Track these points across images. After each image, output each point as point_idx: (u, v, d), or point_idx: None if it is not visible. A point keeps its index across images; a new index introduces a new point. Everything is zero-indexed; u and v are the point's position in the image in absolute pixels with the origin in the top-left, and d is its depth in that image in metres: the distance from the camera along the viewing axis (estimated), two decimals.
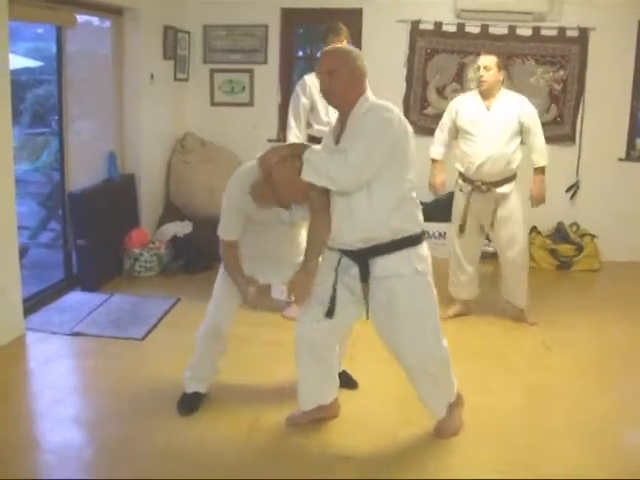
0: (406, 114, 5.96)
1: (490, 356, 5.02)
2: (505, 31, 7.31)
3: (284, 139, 5.50)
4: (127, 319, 5.46)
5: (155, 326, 5.36)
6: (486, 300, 5.74)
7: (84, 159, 6.39)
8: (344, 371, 4.33)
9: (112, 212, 6.44)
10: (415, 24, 7.39)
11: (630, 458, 3.76)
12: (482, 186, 5.34)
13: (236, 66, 7.80)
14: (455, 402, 3.82)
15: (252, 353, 4.89)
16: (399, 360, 3.62)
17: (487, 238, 5.76)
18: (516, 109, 5.27)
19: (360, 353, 4.62)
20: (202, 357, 4.14)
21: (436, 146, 5.59)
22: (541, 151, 5.39)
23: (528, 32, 7.30)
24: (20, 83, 7.86)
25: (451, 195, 5.69)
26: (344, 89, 3.35)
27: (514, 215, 5.40)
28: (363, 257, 3.44)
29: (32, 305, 5.52)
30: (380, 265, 3.42)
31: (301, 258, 3.81)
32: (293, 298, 3.75)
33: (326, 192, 3.47)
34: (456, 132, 5.47)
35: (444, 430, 3.81)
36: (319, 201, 3.57)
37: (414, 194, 3.46)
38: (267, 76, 7.78)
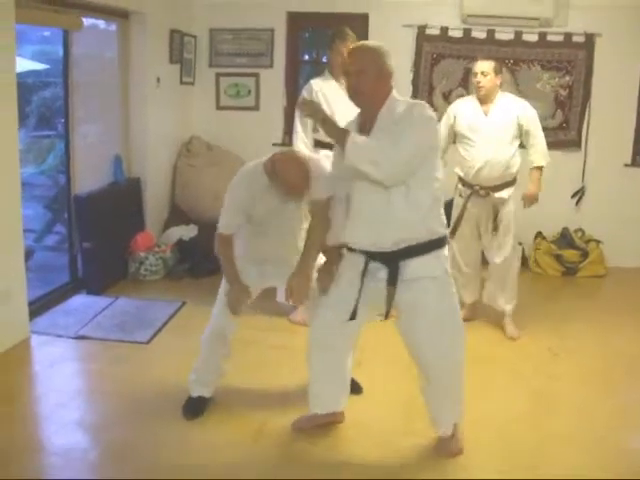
0: None
1: (494, 362, 5.01)
2: (511, 36, 7.31)
3: (290, 143, 5.49)
4: (132, 322, 5.46)
5: (160, 330, 5.36)
6: (486, 304, 5.71)
7: (90, 162, 6.40)
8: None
9: (118, 215, 6.44)
10: (421, 29, 7.39)
11: (633, 464, 3.74)
12: (480, 191, 5.33)
13: (242, 70, 7.80)
14: (458, 424, 3.77)
15: (258, 357, 4.88)
16: (420, 362, 3.57)
17: None
18: (515, 112, 5.25)
19: (367, 358, 4.62)
20: (207, 360, 4.14)
21: None
22: (541, 152, 5.33)
23: (534, 38, 7.30)
24: (26, 86, 7.89)
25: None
26: (372, 89, 3.30)
27: (508, 221, 5.39)
28: (395, 259, 3.35)
29: (37, 308, 5.52)
30: (412, 267, 3.35)
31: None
32: (291, 301, 3.88)
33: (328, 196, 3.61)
34: (454, 137, 5.46)
35: (448, 449, 3.74)
36: (321, 205, 3.72)
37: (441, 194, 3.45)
38: (273, 80, 7.78)
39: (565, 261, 7.31)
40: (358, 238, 3.42)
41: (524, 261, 7.32)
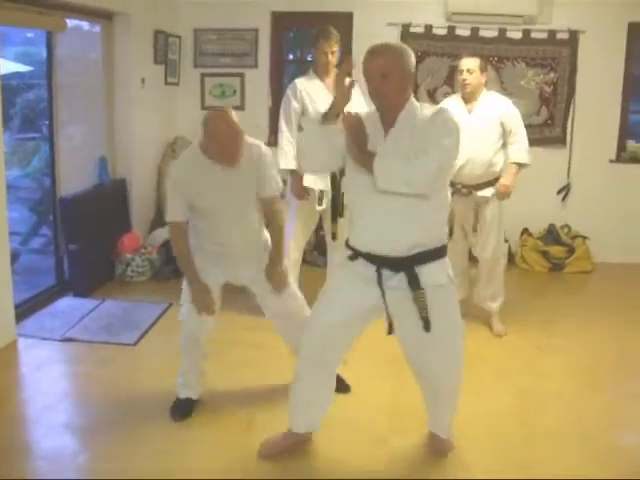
0: None
1: (482, 359, 5.01)
2: (495, 34, 7.33)
3: (275, 142, 5.48)
4: (119, 324, 5.44)
5: (147, 331, 5.34)
6: (475, 303, 5.71)
7: (75, 164, 6.38)
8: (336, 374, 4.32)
9: (103, 217, 6.43)
10: (406, 27, 7.40)
11: (622, 460, 3.76)
12: (463, 189, 5.33)
13: (227, 70, 7.79)
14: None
15: (244, 356, 4.88)
16: (424, 371, 3.50)
17: None
18: (498, 111, 5.24)
19: (354, 357, 4.62)
20: (188, 364, 4.16)
21: None
22: (520, 149, 5.28)
23: (518, 35, 7.32)
24: (10, 88, 7.84)
25: None
26: (397, 91, 3.17)
27: (491, 220, 5.40)
28: (408, 265, 3.22)
29: (24, 311, 5.51)
30: (424, 274, 3.23)
31: (265, 252, 3.98)
32: (277, 288, 3.96)
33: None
34: None
35: (441, 446, 3.74)
36: (271, 203, 3.96)
37: None
38: (258, 80, 7.77)
39: (551, 257, 7.33)
40: (370, 241, 3.26)
41: (510, 257, 7.35)
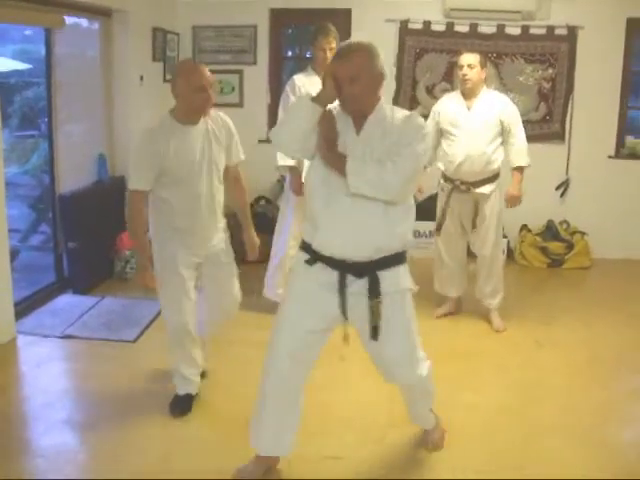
0: None
1: (481, 355, 5.03)
2: (494, 30, 7.33)
3: None
4: (119, 321, 5.45)
5: (147, 328, 5.36)
6: (477, 299, 5.72)
7: (74, 161, 6.38)
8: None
9: (102, 214, 6.42)
10: (404, 23, 7.40)
11: (620, 455, 3.77)
12: (461, 185, 5.34)
13: (225, 67, 7.78)
14: (437, 417, 3.80)
15: (244, 355, 4.87)
16: (392, 376, 3.42)
17: None
18: (497, 109, 5.25)
19: (350, 353, 4.62)
20: (182, 358, 4.13)
21: None
22: (520, 151, 5.30)
23: (517, 31, 7.32)
24: (8, 86, 7.85)
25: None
26: (367, 95, 3.08)
27: (490, 217, 5.40)
28: (371, 270, 3.12)
29: (23, 308, 5.51)
30: (388, 279, 3.15)
31: (221, 223, 4.11)
32: (252, 256, 4.27)
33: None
34: (440, 134, 5.45)
35: (431, 440, 3.76)
36: (235, 169, 4.14)
37: None
38: (256, 77, 7.78)
39: (550, 253, 7.34)
40: (333, 245, 3.11)
41: (510, 254, 7.38)
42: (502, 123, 5.23)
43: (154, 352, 4.93)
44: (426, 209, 5.92)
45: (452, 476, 3.53)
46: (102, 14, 6.46)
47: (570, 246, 7.34)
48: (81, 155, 6.55)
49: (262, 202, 7.56)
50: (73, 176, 6.32)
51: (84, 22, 6.53)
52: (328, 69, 3.12)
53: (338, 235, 3.09)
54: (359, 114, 3.12)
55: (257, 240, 4.29)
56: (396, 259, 3.19)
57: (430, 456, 3.67)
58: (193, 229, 3.95)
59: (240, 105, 7.81)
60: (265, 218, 7.02)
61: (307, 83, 5.30)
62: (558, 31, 7.27)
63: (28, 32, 7.90)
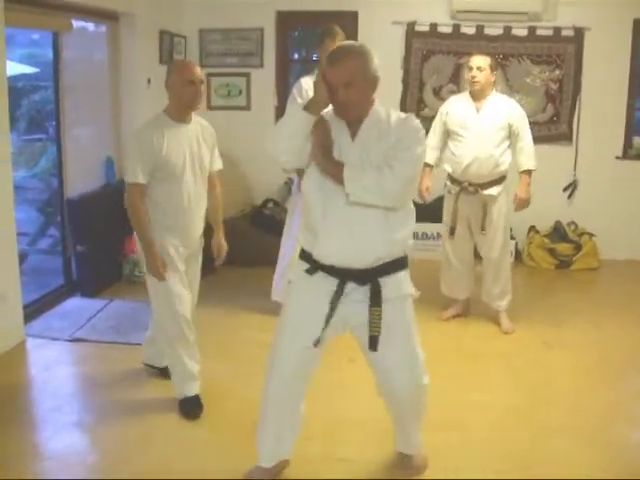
0: None
1: (490, 356, 5.03)
2: (500, 31, 7.33)
3: None
4: (127, 324, 5.45)
5: None
6: (484, 302, 5.71)
7: (82, 165, 6.39)
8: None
9: (111, 217, 6.42)
10: (411, 26, 7.40)
11: (629, 457, 3.77)
12: (469, 187, 5.33)
13: (232, 70, 7.80)
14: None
15: (252, 356, 4.86)
16: (391, 382, 3.31)
17: None
18: (505, 112, 5.25)
19: (360, 355, 4.63)
20: (186, 353, 4.15)
21: (428, 150, 5.54)
22: (528, 154, 5.32)
23: (523, 32, 7.31)
24: (16, 89, 7.86)
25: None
26: (361, 100, 3.01)
27: (497, 219, 5.39)
28: (373, 277, 3.08)
29: (32, 311, 5.52)
30: (390, 285, 3.10)
31: (202, 225, 4.22)
32: (217, 256, 4.40)
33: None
34: (447, 135, 5.45)
35: (415, 465, 3.59)
36: (215, 176, 4.32)
37: None
38: (263, 79, 7.79)
39: (558, 254, 7.33)
40: (334, 254, 3.07)
41: (518, 255, 7.37)
42: (510, 126, 5.24)
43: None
44: (433, 211, 5.92)
45: (459, 476, 3.53)
46: (109, 18, 6.47)
47: (578, 247, 7.33)
48: (89, 158, 6.56)
49: (270, 204, 7.56)
50: (81, 179, 6.33)
51: (91, 26, 6.55)
52: (321, 74, 3.01)
53: (338, 243, 3.04)
54: (354, 119, 3.05)
55: (226, 246, 4.44)
56: (397, 265, 3.15)
57: (437, 457, 3.65)
58: (183, 225, 4.08)
59: (247, 108, 7.83)
60: (273, 220, 7.04)
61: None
62: (565, 32, 7.27)
63: (35, 36, 7.92)
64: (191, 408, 4.12)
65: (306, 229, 3.22)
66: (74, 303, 5.97)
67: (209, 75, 7.80)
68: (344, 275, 3.09)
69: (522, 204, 5.42)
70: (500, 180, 5.33)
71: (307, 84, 5.36)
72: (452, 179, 5.42)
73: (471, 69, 5.23)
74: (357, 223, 3.01)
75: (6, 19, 4.74)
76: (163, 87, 4.17)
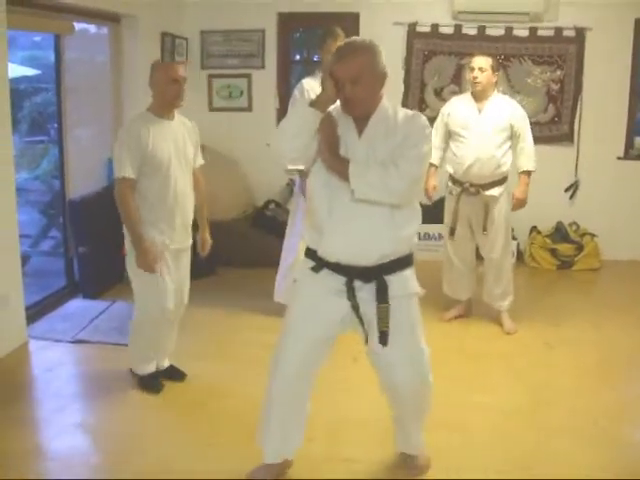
0: None
1: (491, 356, 5.04)
2: (502, 32, 7.33)
3: None
4: (129, 326, 5.45)
5: None
6: (485, 302, 5.71)
7: (84, 166, 6.40)
8: (171, 365, 4.61)
9: (112, 219, 6.37)
10: (412, 26, 7.41)
11: (630, 457, 3.77)
12: (470, 188, 5.34)
13: (234, 71, 7.81)
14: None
15: (256, 357, 4.87)
16: (394, 378, 3.29)
17: None
18: (507, 113, 5.26)
19: (364, 355, 4.63)
20: (151, 343, 4.43)
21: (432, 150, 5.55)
22: (528, 155, 5.34)
23: (525, 33, 7.32)
24: (18, 91, 7.88)
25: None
26: (368, 96, 3.00)
27: (498, 219, 5.40)
28: (379, 274, 3.07)
29: (34, 313, 5.53)
30: (395, 283, 3.10)
31: (191, 220, 4.36)
32: (202, 250, 4.54)
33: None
34: (449, 135, 5.46)
35: (417, 466, 3.58)
36: (198, 173, 4.43)
37: None
38: (265, 81, 7.79)
39: (560, 255, 7.33)
40: (339, 251, 3.06)
41: (519, 256, 7.37)
42: (512, 127, 5.25)
43: None
44: (435, 211, 5.92)
45: (461, 476, 3.53)
46: (111, 20, 6.48)
47: (580, 248, 7.33)
48: (91, 160, 6.57)
49: (272, 206, 7.56)
50: (83, 181, 6.34)
51: (93, 28, 6.56)
52: (328, 70, 3.00)
53: (343, 241, 3.04)
54: (361, 116, 3.04)
55: (210, 241, 4.59)
56: (403, 262, 3.14)
57: (439, 457, 3.65)
58: (171, 219, 4.18)
59: (249, 109, 7.84)
60: (275, 222, 7.04)
61: (316, 87, 5.29)
62: (566, 33, 7.27)
63: (37, 38, 7.94)
64: (151, 384, 4.40)
65: (312, 227, 3.21)
66: (76, 305, 5.98)
67: (210, 76, 7.83)
68: (350, 272, 3.09)
69: (519, 204, 5.43)
70: (502, 181, 5.33)
71: (309, 85, 5.37)
72: (453, 180, 5.42)
73: (473, 70, 5.24)
74: (362, 220, 3.01)
75: (8, 21, 4.75)
76: None
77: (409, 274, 3.19)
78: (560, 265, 7.34)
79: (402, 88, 7.49)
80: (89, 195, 6.25)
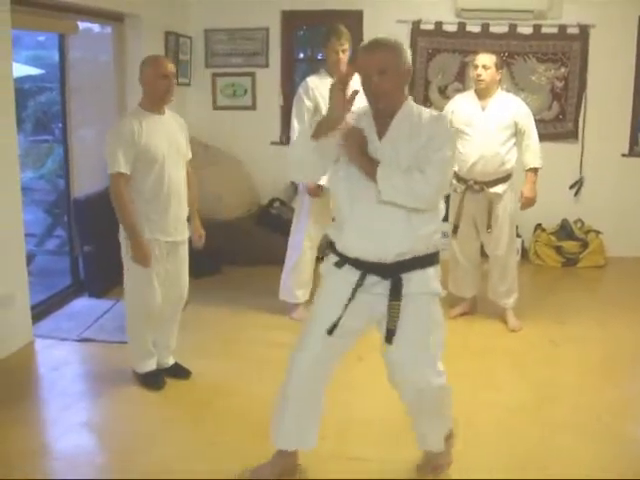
0: None
1: (497, 353, 5.04)
2: (506, 29, 7.32)
3: (287, 141, 5.50)
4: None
5: None
6: (490, 299, 5.71)
7: (88, 165, 6.40)
8: (176, 363, 4.64)
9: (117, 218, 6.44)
10: (416, 24, 7.40)
11: (634, 453, 3.77)
12: (475, 185, 5.34)
13: (238, 70, 7.81)
14: (450, 434, 3.54)
15: (261, 355, 4.89)
16: (402, 376, 3.27)
17: None
18: (511, 110, 5.26)
19: (369, 354, 4.63)
20: (149, 338, 4.47)
21: None
22: (534, 152, 5.33)
23: (529, 30, 7.31)
24: (22, 91, 7.88)
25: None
26: (395, 89, 3.02)
27: (503, 217, 5.40)
28: (396, 272, 3.07)
29: (40, 312, 5.54)
30: (414, 281, 3.08)
31: (186, 212, 4.39)
32: (195, 242, 4.55)
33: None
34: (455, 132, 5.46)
35: (439, 466, 3.53)
36: (188, 166, 4.46)
37: None
38: (269, 79, 7.79)
39: (565, 252, 7.33)
40: (359, 247, 3.09)
41: (524, 253, 7.37)
42: (516, 124, 5.25)
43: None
44: None
45: (466, 476, 3.53)
46: (115, 19, 6.48)
47: (584, 245, 7.33)
48: (95, 159, 6.54)
49: (276, 204, 7.56)
50: (88, 180, 6.34)
51: (97, 27, 6.56)
52: (337, 83, 2.98)
53: (360, 238, 3.07)
54: (386, 112, 3.05)
55: (203, 232, 4.62)
56: (424, 261, 3.12)
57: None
58: (166, 212, 4.22)
59: (253, 107, 7.84)
60: (280, 220, 7.04)
61: (320, 85, 5.31)
62: (570, 30, 7.26)
63: (41, 38, 7.94)
64: (155, 381, 4.42)
65: (335, 223, 3.26)
66: (82, 303, 5.99)
67: (214, 75, 7.83)
68: (368, 268, 3.10)
69: (528, 202, 5.42)
70: (506, 178, 5.33)
71: (313, 83, 5.37)
72: (458, 177, 5.42)
73: (477, 67, 5.24)
74: (380, 218, 3.02)
75: (12, 21, 4.75)
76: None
77: (432, 273, 3.16)
78: (565, 262, 7.34)
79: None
80: (94, 194, 6.25)
